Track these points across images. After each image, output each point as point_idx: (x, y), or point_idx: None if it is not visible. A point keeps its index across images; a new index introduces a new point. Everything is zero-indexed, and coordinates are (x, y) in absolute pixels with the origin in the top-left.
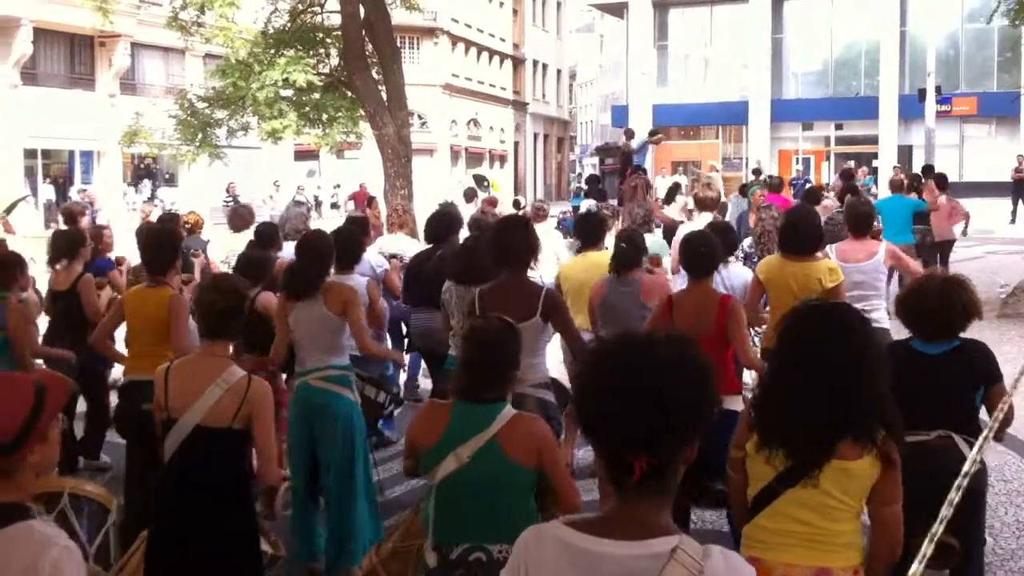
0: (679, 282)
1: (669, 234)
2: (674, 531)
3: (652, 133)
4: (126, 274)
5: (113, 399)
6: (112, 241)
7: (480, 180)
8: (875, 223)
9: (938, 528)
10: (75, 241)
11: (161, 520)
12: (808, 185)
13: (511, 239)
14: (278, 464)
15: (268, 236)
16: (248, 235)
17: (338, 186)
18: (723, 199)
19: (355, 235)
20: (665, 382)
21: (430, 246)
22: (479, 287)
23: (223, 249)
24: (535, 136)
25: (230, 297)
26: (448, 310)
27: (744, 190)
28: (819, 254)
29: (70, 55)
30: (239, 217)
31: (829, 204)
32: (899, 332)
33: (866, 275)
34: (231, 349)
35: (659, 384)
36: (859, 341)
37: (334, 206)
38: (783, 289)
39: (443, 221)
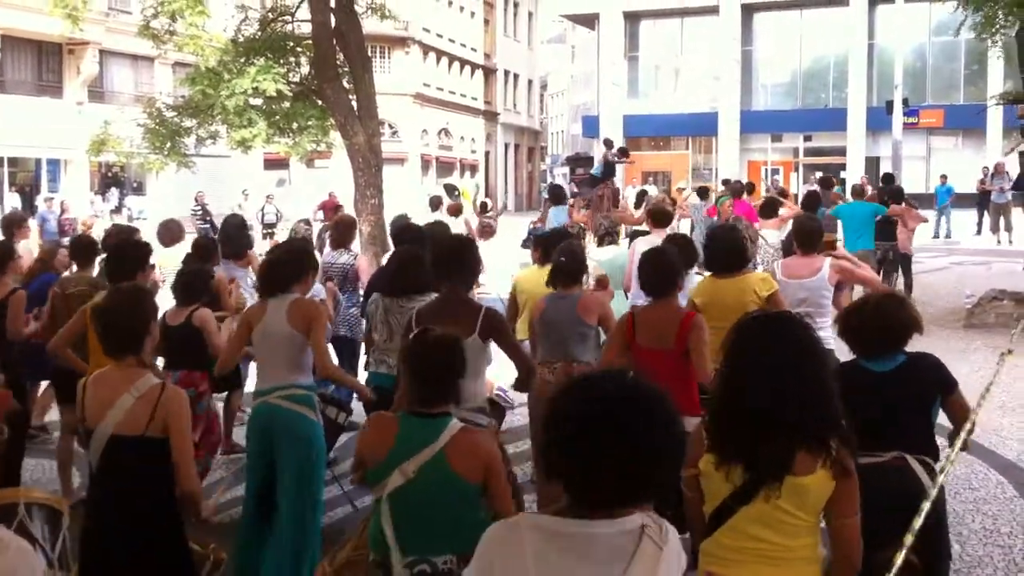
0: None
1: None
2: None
3: (622, 151)
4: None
5: None
6: (67, 260)
7: (451, 190)
8: (833, 235)
9: (900, 557)
10: (4, 254)
11: (90, 529)
12: (768, 194)
13: (451, 257)
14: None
15: (206, 250)
16: (178, 250)
17: (270, 196)
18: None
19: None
20: (645, 405)
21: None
22: (416, 305)
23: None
24: (506, 146)
25: (133, 317)
26: (372, 322)
27: (703, 192)
28: (751, 266)
29: (38, 62)
30: (168, 231)
31: (785, 215)
32: (848, 353)
33: (810, 292)
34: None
35: (628, 426)
36: (800, 347)
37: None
38: (721, 307)
39: (406, 238)
